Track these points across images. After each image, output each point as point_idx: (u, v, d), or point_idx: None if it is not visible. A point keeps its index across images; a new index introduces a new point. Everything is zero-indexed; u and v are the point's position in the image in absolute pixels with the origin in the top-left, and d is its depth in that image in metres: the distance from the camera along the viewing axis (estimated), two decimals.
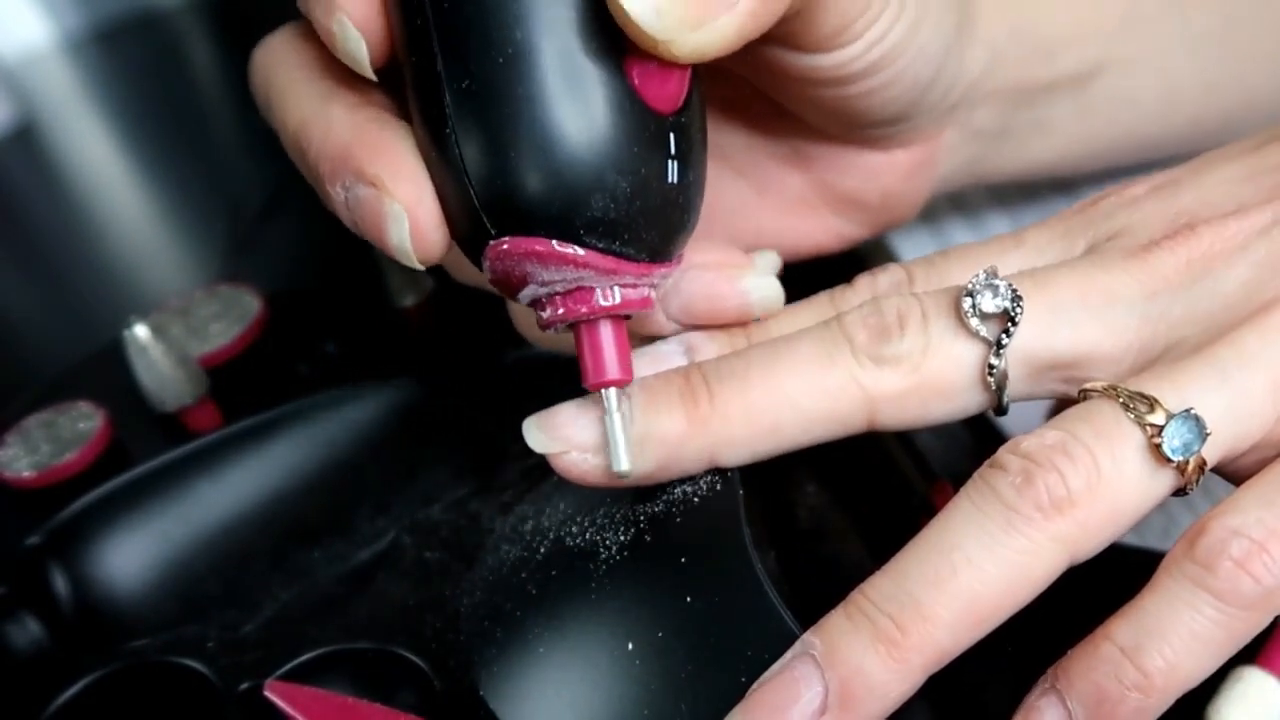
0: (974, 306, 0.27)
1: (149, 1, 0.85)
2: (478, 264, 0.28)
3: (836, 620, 0.26)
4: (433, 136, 0.26)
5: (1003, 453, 0.26)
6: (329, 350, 0.43)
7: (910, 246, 0.46)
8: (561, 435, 0.28)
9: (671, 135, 0.27)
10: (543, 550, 0.31)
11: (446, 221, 0.27)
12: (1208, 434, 0.25)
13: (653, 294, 0.28)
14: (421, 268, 0.28)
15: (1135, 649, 0.24)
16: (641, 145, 0.26)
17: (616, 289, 0.27)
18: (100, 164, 0.74)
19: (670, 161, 0.27)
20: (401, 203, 0.26)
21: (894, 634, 0.25)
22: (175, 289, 0.58)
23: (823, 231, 0.37)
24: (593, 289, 0.27)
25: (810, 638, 0.26)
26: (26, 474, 0.38)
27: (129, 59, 0.83)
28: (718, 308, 0.31)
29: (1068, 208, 0.31)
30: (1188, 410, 0.25)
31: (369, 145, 0.27)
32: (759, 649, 0.26)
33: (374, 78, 0.27)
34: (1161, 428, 0.25)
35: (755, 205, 0.37)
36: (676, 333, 0.32)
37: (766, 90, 0.34)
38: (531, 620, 0.30)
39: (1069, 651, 0.26)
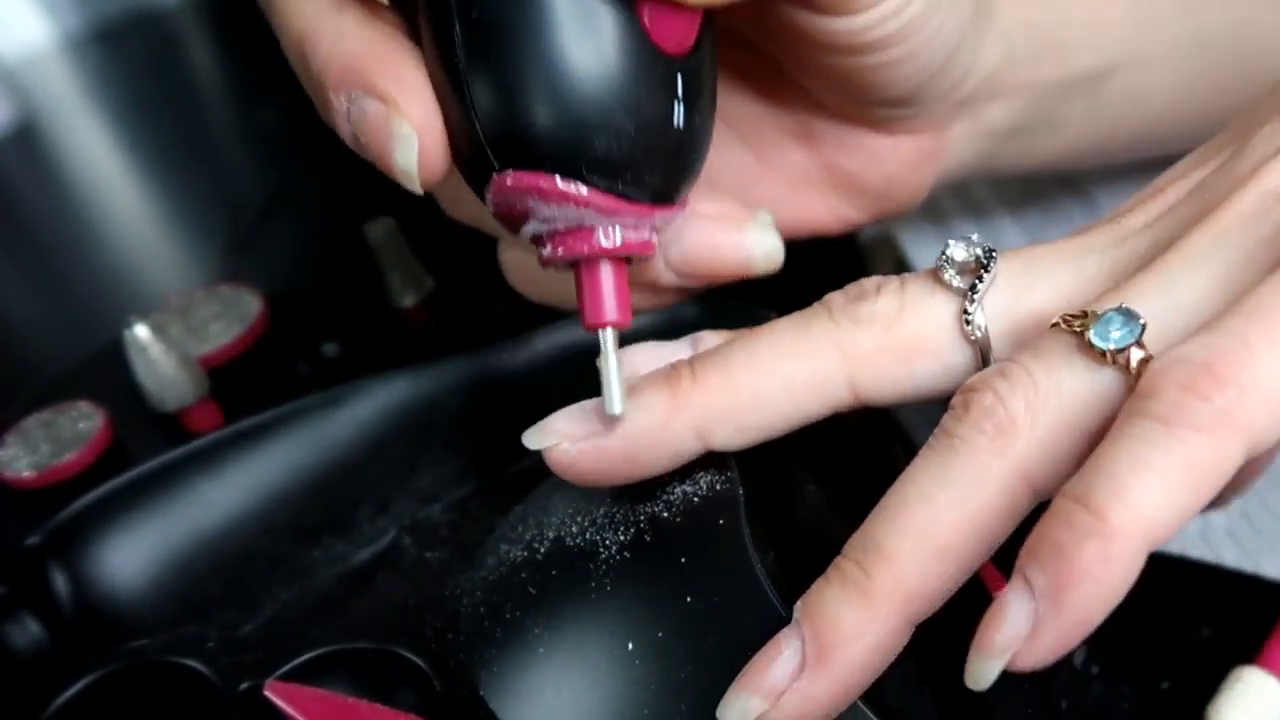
0: (947, 259, 0.28)
1: (148, 1, 0.85)
2: (480, 195, 0.28)
3: (816, 583, 0.26)
4: (442, 64, 0.26)
5: (954, 395, 0.26)
6: (329, 350, 0.43)
7: (914, 238, 0.46)
8: (553, 430, 0.29)
9: (679, 78, 0.27)
10: (543, 550, 0.31)
11: (452, 151, 0.27)
12: (1143, 324, 0.24)
13: (654, 237, 0.28)
14: (421, 192, 0.28)
15: (1085, 492, 0.22)
16: (648, 85, 0.26)
17: (618, 230, 0.27)
18: (100, 164, 0.74)
19: (676, 104, 0.27)
20: (413, 123, 0.27)
21: (859, 577, 0.25)
22: (175, 289, 0.58)
23: (824, 210, 0.38)
24: (593, 228, 0.27)
25: (796, 605, 0.26)
26: (26, 474, 0.38)
27: (128, 59, 0.83)
28: (717, 257, 0.31)
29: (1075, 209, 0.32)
30: (1118, 305, 0.24)
31: (381, 60, 0.27)
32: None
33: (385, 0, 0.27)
34: (1090, 326, 0.24)
35: (757, 175, 0.37)
36: (677, 283, 0.32)
37: (780, 56, 0.34)
38: (531, 620, 0.30)
39: None
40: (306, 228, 0.62)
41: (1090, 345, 0.24)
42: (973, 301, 0.27)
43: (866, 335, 0.28)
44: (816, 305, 0.29)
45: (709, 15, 0.28)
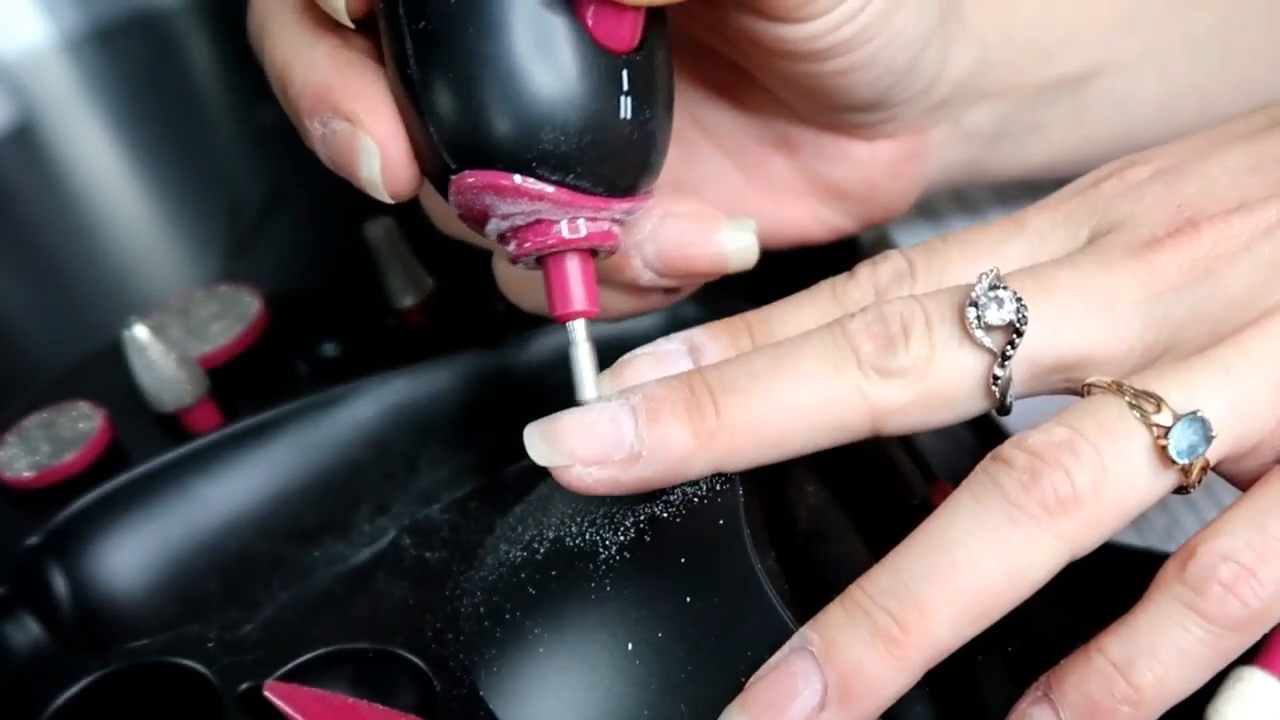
0: (979, 319, 0.27)
1: (148, 1, 0.85)
2: (447, 199, 0.29)
3: (834, 615, 0.26)
4: (399, 77, 0.28)
5: (1008, 447, 0.26)
6: (329, 350, 0.42)
7: (911, 241, 0.46)
8: (565, 449, 0.28)
9: (625, 73, 0.28)
10: (543, 550, 0.31)
11: (417, 160, 0.28)
12: (1213, 436, 0.25)
13: (616, 229, 0.29)
14: (391, 202, 0.29)
15: (1127, 664, 0.25)
16: (591, 81, 0.27)
17: (579, 222, 0.28)
18: (100, 164, 0.74)
19: (623, 98, 0.28)
20: (374, 138, 0.28)
21: (893, 630, 0.25)
22: (175, 289, 0.58)
23: (809, 219, 0.38)
24: (553, 221, 0.28)
25: (808, 633, 0.26)
26: (26, 474, 0.38)
27: (128, 58, 0.83)
28: (690, 255, 0.32)
29: (1067, 187, 0.31)
30: (1194, 412, 0.25)
31: (346, 84, 0.28)
32: (759, 649, 0.26)
33: (352, 26, 0.28)
34: (1168, 429, 0.25)
35: (740, 185, 0.37)
36: (654, 282, 0.33)
37: (746, 65, 0.34)
38: (531, 620, 0.30)
39: (1061, 662, 0.26)
40: (306, 228, 0.62)
41: (1164, 450, 0.25)
42: (1004, 366, 0.27)
43: (897, 388, 0.28)
44: (841, 340, 0.28)
45: (656, 14, 0.28)
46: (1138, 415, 0.26)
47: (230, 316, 0.43)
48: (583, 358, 0.29)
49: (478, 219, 0.28)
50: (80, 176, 0.74)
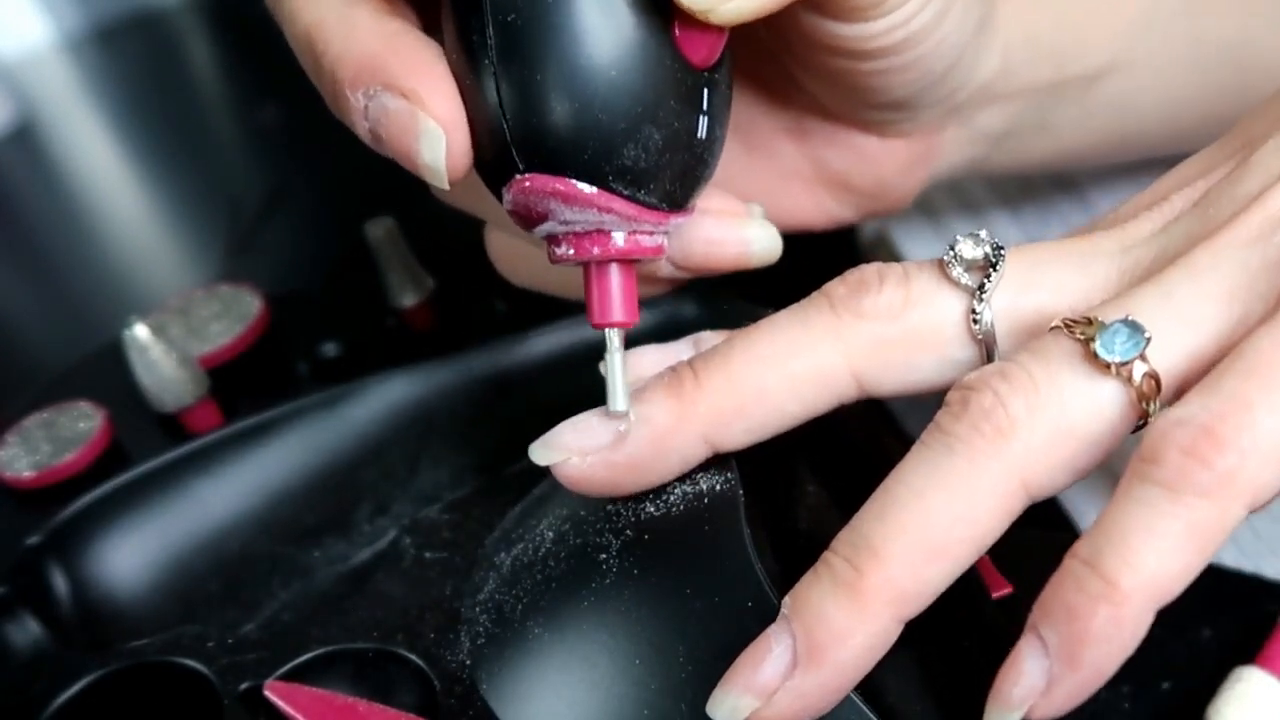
0: (955, 255, 0.27)
1: (148, 1, 0.85)
2: (497, 194, 0.28)
3: (804, 578, 0.26)
4: (469, 64, 0.26)
5: (950, 390, 0.26)
6: (329, 350, 0.43)
7: (910, 237, 0.46)
8: (561, 444, 0.29)
9: (705, 90, 0.27)
10: (542, 550, 0.31)
11: (473, 149, 0.27)
12: (1147, 338, 0.24)
13: (665, 242, 0.29)
14: (449, 188, 0.28)
15: (1095, 556, 0.23)
16: (678, 98, 0.27)
17: (632, 235, 0.28)
18: (99, 164, 0.74)
19: (701, 116, 0.27)
20: (440, 121, 0.26)
21: (850, 575, 0.25)
22: (175, 289, 0.58)
23: (812, 207, 0.38)
24: (610, 232, 0.28)
25: (785, 599, 0.26)
26: (26, 474, 0.38)
27: (128, 58, 0.83)
28: (715, 253, 0.32)
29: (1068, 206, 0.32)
30: (1125, 317, 0.25)
31: (402, 56, 0.26)
32: None
33: None
34: (1095, 335, 0.25)
35: (745, 165, 0.37)
36: (673, 275, 0.33)
37: (781, 53, 0.34)
38: (531, 620, 0.30)
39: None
40: (306, 228, 0.62)
41: (1095, 356, 0.24)
42: (981, 300, 0.27)
43: (869, 328, 0.27)
44: (817, 295, 0.29)
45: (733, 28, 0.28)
46: (1070, 335, 0.25)
47: (230, 316, 0.43)
48: (617, 367, 0.28)
49: (533, 219, 0.28)
50: (80, 176, 0.74)
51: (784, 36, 0.33)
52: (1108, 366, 0.24)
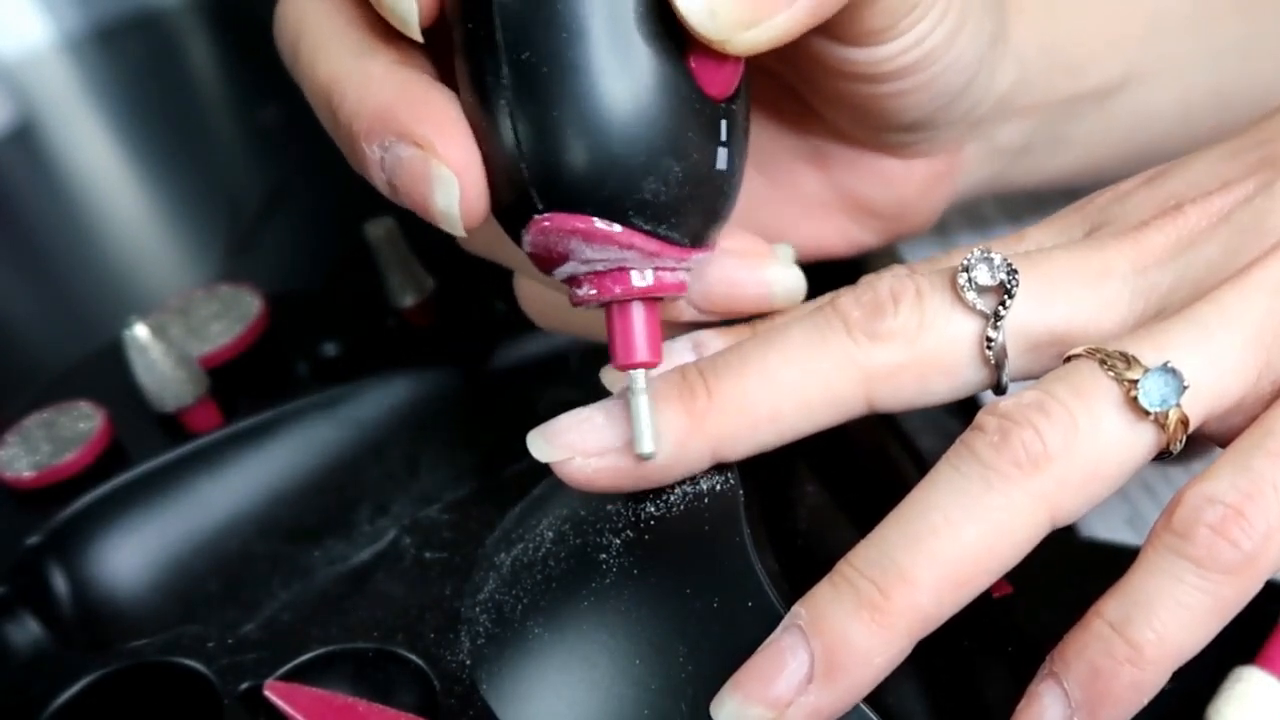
0: (970, 280, 0.27)
1: (148, 1, 0.85)
2: (515, 237, 0.27)
3: (822, 589, 0.26)
4: (484, 106, 0.26)
5: (981, 415, 0.26)
6: (329, 350, 0.43)
7: (918, 254, 0.46)
8: (564, 442, 0.28)
9: (723, 122, 0.27)
10: (543, 550, 0.31)
11: (490, 191, 0.27)
12: (1185, 386, 0.25)
13: (687, 278, 0.28)
14: (464, 234, 0.27)
15: (1124, 622, 0.24)
16: (696, 130, 0.26)
17: (655, 272, 0.27)
18: (99, 164, 0.74)
19: (720, 148, 0.27)
20: (452, 167, 0.26)
21: (877, 599, 0.25)
22: (175, 289, 0.58)
23: (835, 234, 0.37)
24: (631, 270, 0.27)
25: (798, 608, 0.26)
26: (26, 474, 0.38)
27: (128, 58, 0.83)
28: (737, 294, 0.31)
29: (1066, 207, 0.32)
30: (1165, 363, 0.25)
31: (415, 105, 0.26)
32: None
33: (420, 39, 0.26)
34: (1138, 381, 0.25)
35: (768, 199, 0.37)
36: (695, 319, 0.32)
37: (795, 81, 0.34)
38: (531, 620, 0.30)
39: (1065, 634, 0.26)
40: (306, 228, 0.62)
41: (1135, 401, 0.25)
42: (996, 328, 0.27)
43: (885, 353, 0.27)
44: (830, 312, 0.28)
45: (749, 59, 0.27)
46: (1110, 373, 0.25)
47: (230, 316, 0.43)
48: (643, 409, 0.27)
49: (554, 261, 0.27)
50: (80, 176, 0.74)
51: (798, 65, 0.33)
52: (1146, 413, 0.25)
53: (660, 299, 0.28)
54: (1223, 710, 0.25)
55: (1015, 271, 0.27)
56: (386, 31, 0.27)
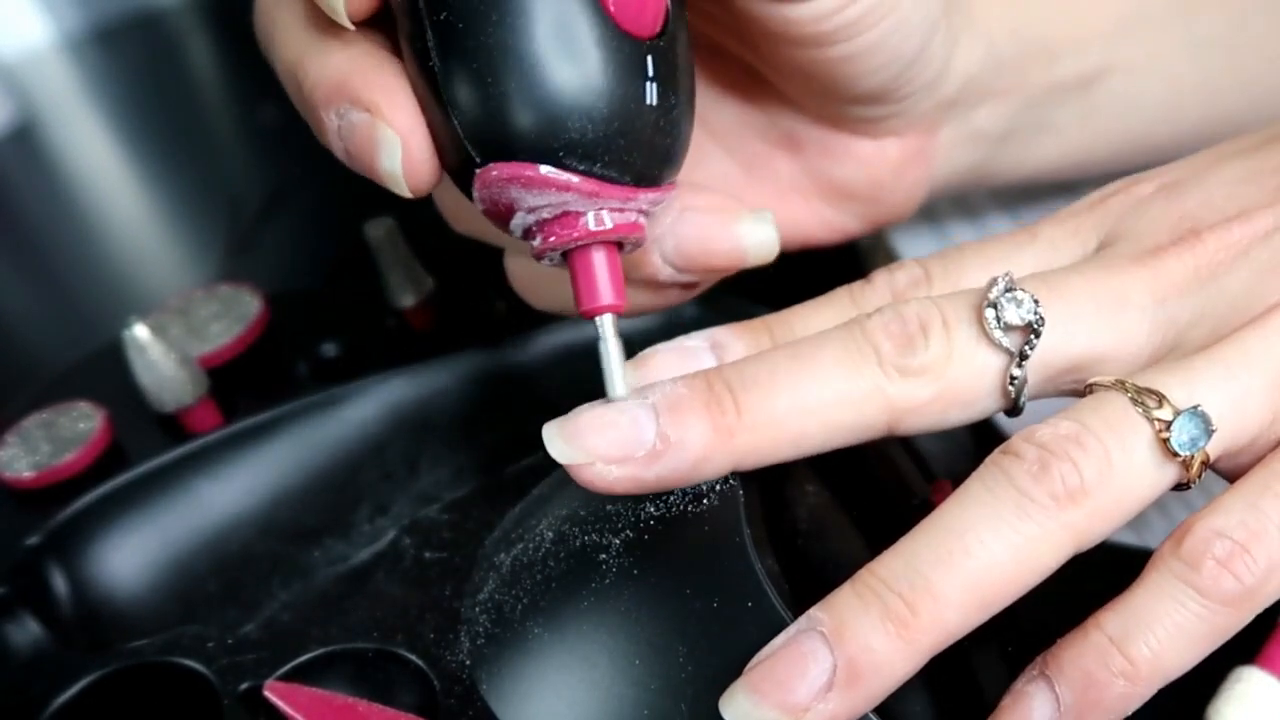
0: (998, 319, 0.28)
1: (148, 1, 0.85)
2: (470, 196, 0.28)
3: (845, 598, 0.26)
4: (419, 70, 0.27)
5: (1018, 441, 0.26)
6: (329, 350, 0.43)
7: (913, 246, 0.46)
8: (585, 446, 0.27)
9: (649, 58, 0.27)
10: (543, 550, 0.31)
11: (439, 155, 0.28)
12: (1213, 430, 0.26)
13: (642, 220, 0.29)
14: (411, 196, 0.28)
15: (1123, 638, 0.25)
16: (616, 68, 0.27)
17: (605, 213, 0.28)
18: (100, 164, 0.74)
19: (649, 84, 0.27)
20: (395, 129, 0.27)
21: (904, 613, 0.25)
22: (175, 289, 0.58)
23: (814, 220, 0.38)
24: (580, 213, 0.28)
25: (817, 614, 0.26)
26: (26, 474, 0.38)
27: (128, 58, 0.83)
28: (710, 249, 0.32)
29: (1078, 202, 0.32)
30: (1195, 406, 0.26)
31: (364, 74, 0.28)
32: (759, 649, 0.26)
33: (351, 26, 0.28)
34: (1170, 423, 0.26)
35: (744, 185, 0.37)
36: (674, 277, 0.33)
37: (751, 57, 0.34)
38: (531, 620, 0.30)
39: (1059, 640, 0.26)
40: (306, 228, 0.62)
41: (1166, 444, 0.26)
42: (1021, 367, 0.28)
43: (916, 387, 0.28)
44: (861, 339, 0.28)
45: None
46: (1140, 410, 0.26)
47: (230, 316, 0.43)
48: (613, 353, 0.28)
49: (503, 214, 0.28)
50: (80, 176, 0.74)
51: (746, 37, 0.33)
52: (1175, 455, 0.26)
53: (619, 244, 0.29)
54: (1223, 710, 0.26)
55: (1041, 313, 0.28)
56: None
